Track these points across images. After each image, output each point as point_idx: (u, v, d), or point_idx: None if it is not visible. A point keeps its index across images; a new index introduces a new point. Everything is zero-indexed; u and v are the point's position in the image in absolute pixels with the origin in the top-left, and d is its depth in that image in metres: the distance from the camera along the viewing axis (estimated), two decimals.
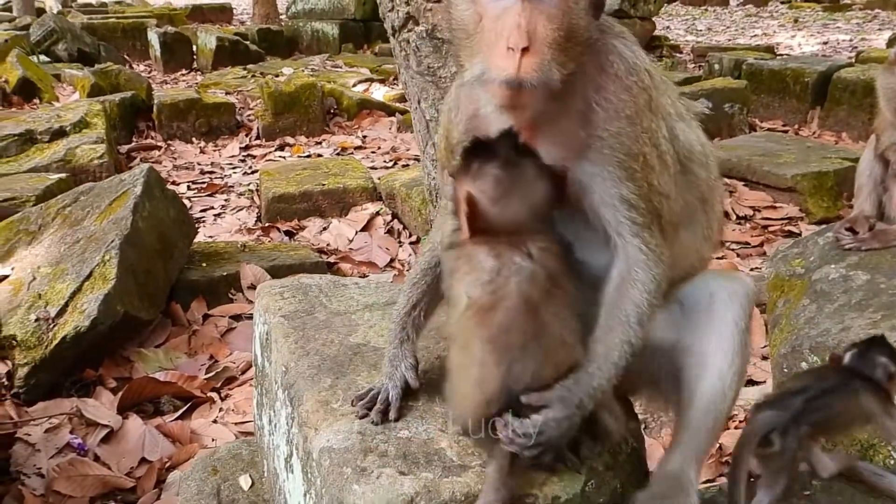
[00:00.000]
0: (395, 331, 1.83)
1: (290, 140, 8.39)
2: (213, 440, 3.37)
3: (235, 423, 3.49)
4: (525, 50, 1.51)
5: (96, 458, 3.16)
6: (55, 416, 3.33)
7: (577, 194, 1.65)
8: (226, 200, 6.66)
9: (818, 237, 3.50)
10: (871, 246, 3.20)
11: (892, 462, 2.74)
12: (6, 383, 3.53)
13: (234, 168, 7.64)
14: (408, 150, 8.02)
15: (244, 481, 2.23)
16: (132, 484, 3.06)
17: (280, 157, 8.00)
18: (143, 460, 3.20)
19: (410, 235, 5.65)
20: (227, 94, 10.03)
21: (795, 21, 18.87)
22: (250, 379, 3.89)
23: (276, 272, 4.70)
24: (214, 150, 8.21)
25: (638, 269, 1.65)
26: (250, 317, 4.45)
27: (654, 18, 14.53)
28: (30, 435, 3.19)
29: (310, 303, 2.12)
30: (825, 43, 15.41)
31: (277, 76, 10.84)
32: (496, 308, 1.49)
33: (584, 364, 1.59)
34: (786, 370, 3.09)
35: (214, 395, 3.74)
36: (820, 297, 3.14)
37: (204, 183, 7.12)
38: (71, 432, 3.27)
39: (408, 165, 7.47)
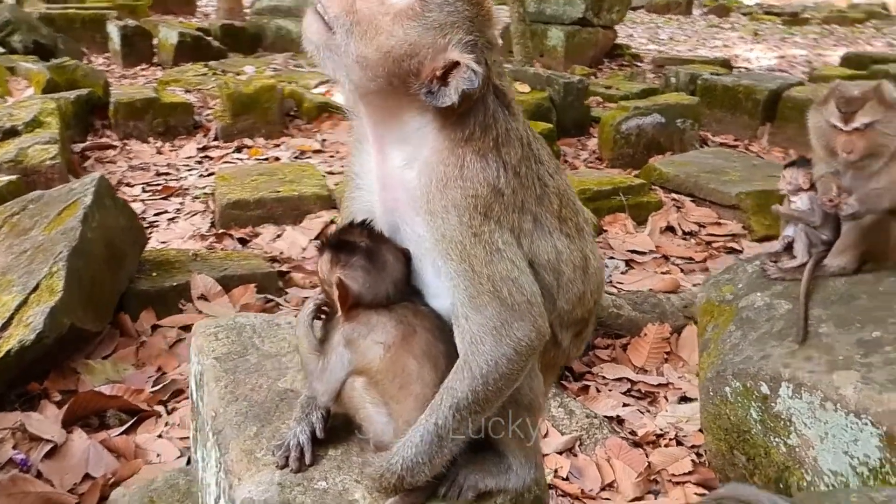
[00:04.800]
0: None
1: (248, 142, 8.37)
2: (157, 455, 3.42)
3: (181, 438, 3.53)
4: None
5: (39, 475, 3.19)
6: None
7: (420, 246, 1.78)
8: (181, 204, 6.65)
9: (747, 265, 3.66)
10: (795, 276, 3.36)
11: (804, 485, 2.91)
12: None
13: (190, 170, 7.61)
14: None
15: None
16: (75, 501, 3.08)
17: (238, 158, 7.99)
18: (87, 476, 3.23)
19: None
20: (186, 92, 9.95)
21: (755, 34, 19.26)
22: None
23: (228, 282, 4.75)
24: (171, 151, 8.16)
25: (472, 354, 1.69)
26: None
27: (617, 26, 14.75)
28: None
29: (243, 344, 2.18)
30: (782, 57, 15.79)
31: (239, 74, 10.80)
32: (413, 334, 1.76)
33: (400, 440, 1.70)
34: (711, 393, 3.25)
35: (161, 408, 3.77)
36: (745, 324, 3.29)
37: (159, 185, 7.08)
38: (14, 447, 3.28)
39: None
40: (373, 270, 1.78)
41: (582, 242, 1.89)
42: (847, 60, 13.59)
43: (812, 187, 3.40)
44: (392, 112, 1.73)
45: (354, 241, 1.81)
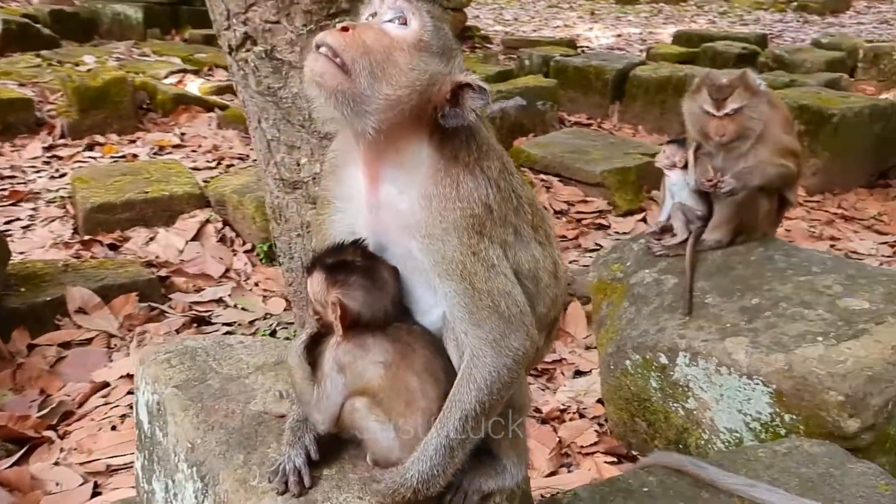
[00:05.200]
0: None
1: (99, 139, 7.86)
2: (57, 484, 3.22)
3: (80, 464, 3.34)
4: (346, 30, 1.64)
5: None
6: None
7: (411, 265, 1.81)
8: (34, 210, 6.16)
9: (633, 243, 3.91)
10: (678, 252, 3.63)
11: (702, 443, 3.19)
12: None
13: (38, 171, 7.05)
14: (231, 147, 7.83)
15: None
16: None
17: (90, 157, 7.49)
18: None
19: (244, 244, 5.56)
20: (21, 85, 9.15)
21: (592, 13, 20.21)
22: (89, 412, 3.73)
23: (107, 293, 4.50)
24: (13, 151, 7.51)
25: (475, 367, 1.75)
26: (81, 343, 4.24)
27: (465, 8, 15.00)
28: None
29: (200, 369, 2.11)
30: (619, 35, 16.68)
31: (78, 65, 10.08)
32: (413, 352, 1.78)
33: (412, 455, 1.73)
34: (612, 367, 3.46)
35: (51, 433, 3.54)
36: (638, 300, 3.53)
37: (5, 189, 6.52)
38: None
39: (233, 165, 7.30)
40: (373, 289, 1.77)
41: (551, 249, 1.98)
42: (678, 38, 14.54)
43: (685, 166, 3.68)
44: (393, 142, 1.73)
45: (351, 261, 1.79)
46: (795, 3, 21.17)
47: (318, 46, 1.64)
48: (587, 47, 14.57)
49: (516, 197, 1.88)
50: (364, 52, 1.63)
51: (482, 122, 1.83)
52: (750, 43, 12.57)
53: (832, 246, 5.96)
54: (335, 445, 1.84)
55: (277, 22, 3.47)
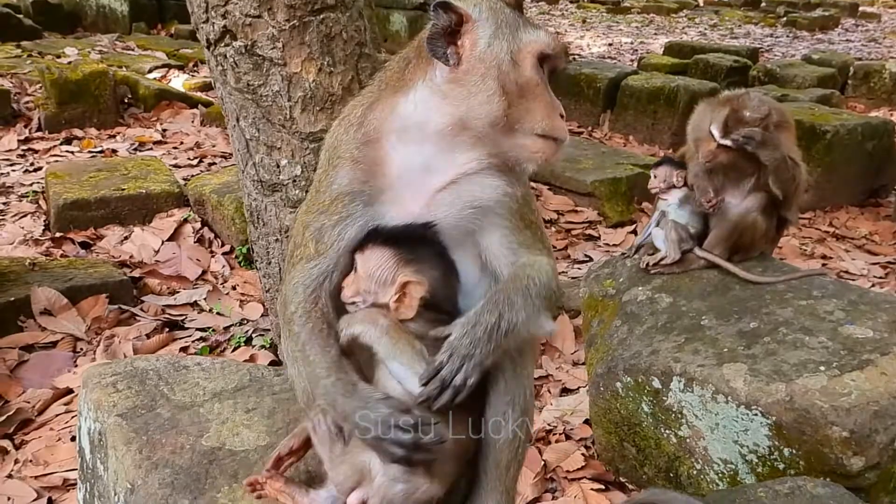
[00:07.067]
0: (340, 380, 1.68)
1: (78, 133, 7.64)
2: (9, 499, 3.02)
3: (35, 478, 3.14)
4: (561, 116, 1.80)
5: None
6: None
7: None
8: (5, 204, 5.94)
9: (626, 259, 3.75)
10: (672, 270, 3.49)
11: (694, 473, 3.03)
12: None
13: (12, 164, 6.83)
14: (213, 145, 7.63)
15: None
16: None
17: (67, 151, 7.27)
18: None
19: (223, 245, 5.37)
20: None
21: (584, 21, 20.13)
22: (49, 421, 3.54)
23: (75, 294, 4.30)
24: None
25: (535, 261, 1.77)
26: (45, 347, 4.04)
27: None
28: None
29: (149, 394, 1.90)
30: (610, 44, 16.60)
31: (59, 57, 9.85)
32: None
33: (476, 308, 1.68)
34: (601, 389, 3.31)
35: (7, 443, 3.34)
36: (630, 319, 3.38)
37: None
38: None
39: (214, 164, 7.11)
40: (440, 276, 1.70)
41: (551, 258, 1.95)
42: (669, 49, 14.44)
43: (685, 184, 3.52)
44: None
45: (420, 239, 1.69)
46: (785, 19, 21.23)
47: (556, 139, 1.75)
48: (579, 55, 14.48)
49: (533, 199, 1.90)
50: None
51: None
52: (741, 56, 12.50)
53: (824, 265, 5.84)
54: None
55: (259, 16, 3.30)
